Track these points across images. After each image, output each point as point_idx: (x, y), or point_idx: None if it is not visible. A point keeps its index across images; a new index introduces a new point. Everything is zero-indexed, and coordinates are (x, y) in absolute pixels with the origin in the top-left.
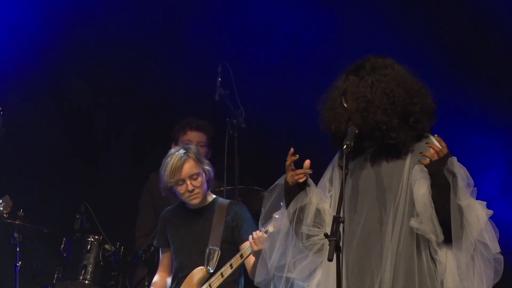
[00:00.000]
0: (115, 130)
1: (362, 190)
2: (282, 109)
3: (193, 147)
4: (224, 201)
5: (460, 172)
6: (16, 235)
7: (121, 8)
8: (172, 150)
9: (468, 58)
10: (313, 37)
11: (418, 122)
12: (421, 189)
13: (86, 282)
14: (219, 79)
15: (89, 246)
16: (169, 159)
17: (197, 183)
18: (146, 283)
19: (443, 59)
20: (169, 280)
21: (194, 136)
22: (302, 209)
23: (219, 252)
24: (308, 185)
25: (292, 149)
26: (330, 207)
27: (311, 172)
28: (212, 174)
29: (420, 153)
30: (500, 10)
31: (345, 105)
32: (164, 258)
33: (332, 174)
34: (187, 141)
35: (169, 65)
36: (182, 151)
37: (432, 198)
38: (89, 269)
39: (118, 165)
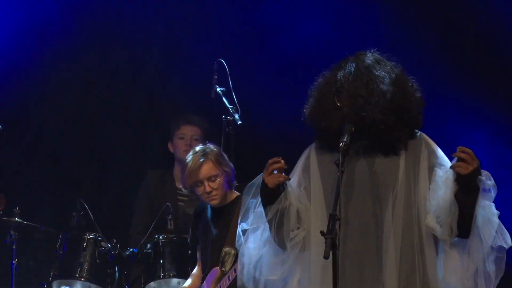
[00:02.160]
0: (111, 128)
1: (356, 186)
2: (279, 106)
3: (213, 147)
4: None
5: (488, 183)
6: (12, 232)
7: (118, 6)
8: (192, 151)
9: (465, 54)
10: (310, 33)
11: (412, 119)
12: (448, 194)
13: (82, 279)
14: (215, 77)
15: (85, 244)
16: (188, 159)
17: (214, 185)
18: (142, 280)
19: (440, 55)
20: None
21: (187, 130)
22: (282, 212)
23: (236, 252)
24: (286, 185)
25: (280, 158)
26: (309, 201)
27: (290, 179)
28: (232, 174)
29: (453, 154)
30: (495, 6)
31: (338, 104)
32: (200, 256)
33: (308, 165)
34: (181, 135)
35: (165, 63)
36: (201, 152)
37: (457, 202)
38: (85, 266)
39: (115, 162)
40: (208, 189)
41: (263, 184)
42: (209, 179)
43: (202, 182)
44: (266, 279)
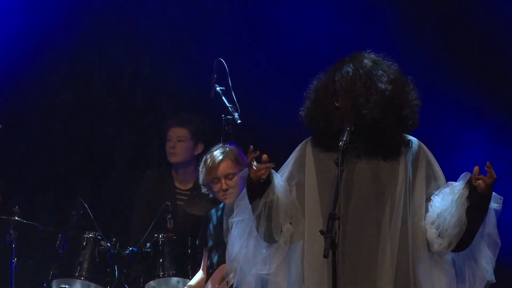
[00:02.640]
0: (111, 127)
1: (355, 187)
2: (278, 105)
3: (233, 147)
4: None
5: (495, 206)
6: (11, 231)
7: (118, 5)
8: (213, 148)
9: (464, 53)
10: (310, 33)
11: (408, 120)
12: (460, 210)
13: (82, 278)
14: (215, 76)
15: (84, 243)
16: (208, 156)
17: (231, 183)
18: (142, 280)
19: (439, 54)
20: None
21: (173, 132)
22: (270, 206)
23: None
24: (271, 180)
25: (251, 147)
26: (300, 197)
27: (273, 166)
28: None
29: (486, 168)
30: (495, 5)
31: (336, 104)
32: (205, 259)
33: (303, 161)
34: (168, 138)
35: (164, 62)
36: (221, 150)
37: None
38: (85, 265)
39: (114, 161)
40: (224, 186)
41: (249, 177)
42: (227, 176)
43: (219, 179)
44: (256, 273)
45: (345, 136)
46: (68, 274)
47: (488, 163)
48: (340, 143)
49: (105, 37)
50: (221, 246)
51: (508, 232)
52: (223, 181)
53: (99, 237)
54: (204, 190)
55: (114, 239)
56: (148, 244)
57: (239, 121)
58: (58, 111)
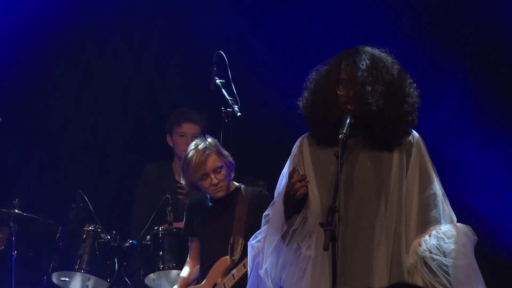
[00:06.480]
0: (111, 120)
1: (354, 179)
2: (278, 98)
3: (212, 140)
4: (247, 189)
5: None
6: (11, 224)
7: None
8: (192, 145)
9: (458, 56)
10: (310, 26)
11: (408, 115)
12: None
13: (82, 271)
14: (215, 68)
15: (84, 236)
16: (191, 154)
17: (220, 176)
18: (142, 272)
19: (437, 52)
20: (198, 268)
21: (188, 128)
22: (306, 221)
23: (243, 241)
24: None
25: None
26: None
27: (309, 183)
28: (233, 165)
29: None
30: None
31: (339, 92)
32: (193, 247)
33: (301, 158)
34: (181, 133)
35: (164, 54)
36: (203, 145)
37: None
38: (85, 258)
39: (114, 154)
40: (215, 181)
41: (286, 194)
42: (215, 171)
43: (208, 175)
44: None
45: (345, 129)
46: (68, 267)
47: None
48: (340, 136)
49: (105, 30)
50: (215, 238)
51: (508, 231)
52: (212, 176)
53: (99, 230)
54: (188, 190)
55: (114, 232)
56: (148, 237)
57: (239, 114)
58: (58, 104)
